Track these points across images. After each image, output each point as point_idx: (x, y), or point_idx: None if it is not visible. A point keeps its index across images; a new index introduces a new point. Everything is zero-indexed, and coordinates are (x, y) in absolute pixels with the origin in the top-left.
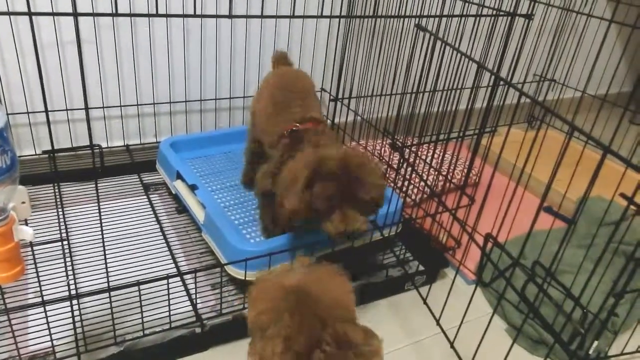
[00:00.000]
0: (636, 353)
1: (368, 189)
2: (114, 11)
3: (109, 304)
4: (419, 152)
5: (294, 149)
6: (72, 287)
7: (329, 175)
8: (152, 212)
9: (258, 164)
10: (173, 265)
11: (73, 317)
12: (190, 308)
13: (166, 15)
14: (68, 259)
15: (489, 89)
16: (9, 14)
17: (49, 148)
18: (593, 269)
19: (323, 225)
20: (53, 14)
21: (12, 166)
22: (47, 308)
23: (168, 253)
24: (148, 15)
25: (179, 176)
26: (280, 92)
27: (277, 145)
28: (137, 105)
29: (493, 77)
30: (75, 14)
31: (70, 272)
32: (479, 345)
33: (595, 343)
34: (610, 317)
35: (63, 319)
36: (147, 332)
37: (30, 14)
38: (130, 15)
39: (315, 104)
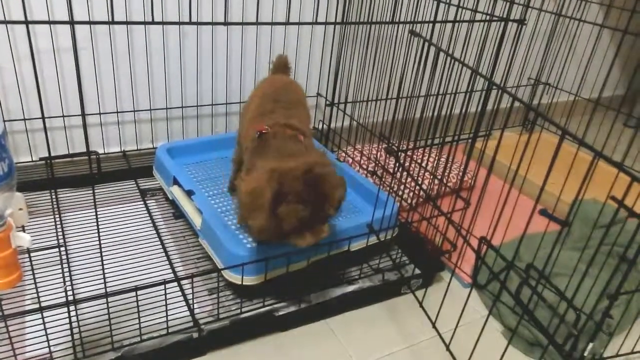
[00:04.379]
0: (631, 354)
1: (332, 202)
2: (111, 19)
3: (106, 310)
4: (415, 156)
5: (259, 153)
6: (70, 293)
7: (294, 196)
8: (149, 218)
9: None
10: (170, 270)
11: (70, 323)
12: (188, 313)
13: (162, 23)
14: (65, 265)
15: (483, 93)
16: (5, 22)
17: (46, 154)
18: (585, 270)
19: (290, 239)
20: (49, 22)
21: (10, 173)
22: (45, 314)
23: (165, 258)
24: (144, 23)
25: (175, 182)
26: (267, 100)
27: (249, 149)
28: (134, 111)
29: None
30: (72, 22)
31: (67, 278)
32: (474, 348)
33: (590, 345)
34: (604, 318)
35: (60, 325)
36: (144, 337)
37: (27, 22)
38: (127, 23)
39: (300, 113)
